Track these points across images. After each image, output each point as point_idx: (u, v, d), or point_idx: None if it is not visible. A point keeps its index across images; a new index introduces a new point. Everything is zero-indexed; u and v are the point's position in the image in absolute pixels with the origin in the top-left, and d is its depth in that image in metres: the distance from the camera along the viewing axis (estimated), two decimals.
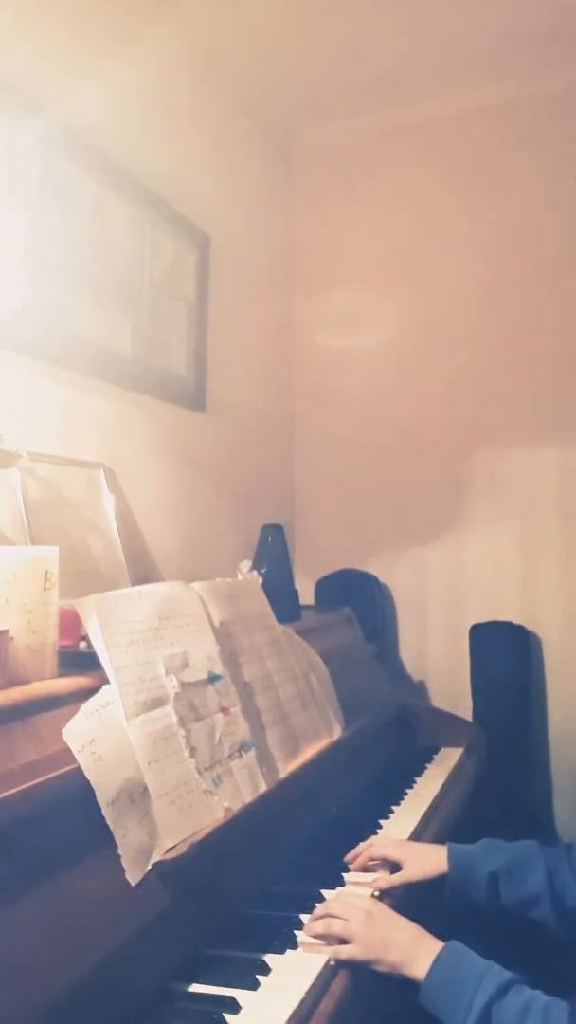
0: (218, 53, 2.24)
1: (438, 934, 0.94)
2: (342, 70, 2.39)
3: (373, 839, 1.27)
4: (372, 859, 1.22)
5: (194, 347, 2.15)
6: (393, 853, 1.21)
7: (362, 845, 1.24)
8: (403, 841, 1.29)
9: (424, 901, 1.15)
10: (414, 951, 0.92)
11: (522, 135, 2.47)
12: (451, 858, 1.17)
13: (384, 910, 1.00)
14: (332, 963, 0.93)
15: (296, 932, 0.99)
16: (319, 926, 0.98)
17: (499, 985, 0.84)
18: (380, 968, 0.92)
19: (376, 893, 1.13)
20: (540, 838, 1.20)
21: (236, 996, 0.85)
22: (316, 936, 0.97)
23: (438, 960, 0.89)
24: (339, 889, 1.12)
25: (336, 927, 0.96)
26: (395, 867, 1.19)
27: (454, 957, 0.90)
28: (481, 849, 1.17)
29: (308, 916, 1.03)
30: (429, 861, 1.17)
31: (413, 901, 1.13)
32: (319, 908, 1.02)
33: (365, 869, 1.21)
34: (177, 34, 2.08)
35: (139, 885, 0.88)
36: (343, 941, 0.95)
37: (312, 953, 0.94)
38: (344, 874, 1.19)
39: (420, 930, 0.95)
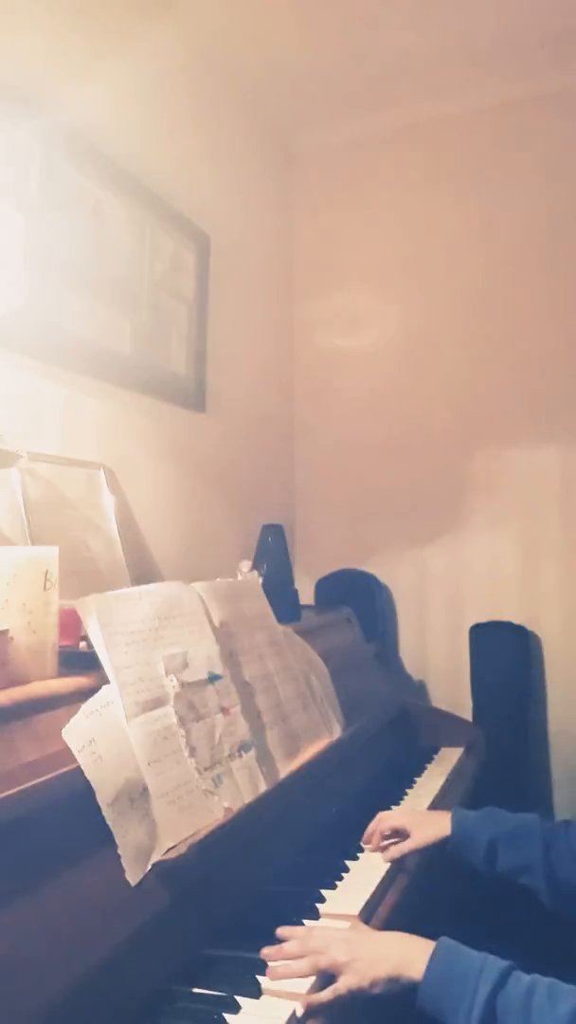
0: (218, 53, 2.24)
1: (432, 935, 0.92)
2: (342, 70, 2.39)
3: (381, 814, 1.31)
4: (383, 833, 1.27)
5: (194, 347, 2.15)
6: (400, 822, 1.27)
7: (372, 823, 1.30)
8: (409, 810, 1.37)
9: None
10: (406, 954, 0.88)
11: (522, 135, 2.47)
12: (454, 823, 1.22)
13: (361, 929, 0.98)
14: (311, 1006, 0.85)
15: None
16: (304, 966, 0.88)
17: (499, 974, 0.82)
18: (378, 989, 0.86)
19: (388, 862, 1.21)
20: None
21: (236, 996, 0.85)
22: (297, 975, 0.88)
23: (433, 959, 0.86)
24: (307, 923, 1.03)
25: (322, 961, 0.88)
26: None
27: (448, 953, 0.87)
28: (482, 816, 1.22)
29: (309, 919, 1.03)
30: (434, 827, 1.24)
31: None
32: (289, 945, 0.92)
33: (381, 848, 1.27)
34: (177, 34, 2.08)
35: (139, 885, 0.88)
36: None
37: (285, 1000, 0.85)
38: (344, 874, 1.19)
39: (404, 935, 0.92)
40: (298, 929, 0.96)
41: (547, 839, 1.14)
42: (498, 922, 1.21)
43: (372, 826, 1.29)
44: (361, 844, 1.28)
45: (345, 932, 0.95)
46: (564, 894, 1.11)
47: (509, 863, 1.15)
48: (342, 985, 0.86)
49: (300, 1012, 0.84)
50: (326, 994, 0.86)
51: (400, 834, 1.26)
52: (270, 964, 0.90)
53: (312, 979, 0.88)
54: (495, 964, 0.84)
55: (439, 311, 2.56)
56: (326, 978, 0.88)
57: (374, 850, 1.26)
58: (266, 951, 0.92)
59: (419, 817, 1.29)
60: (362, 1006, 0.89)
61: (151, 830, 0.93)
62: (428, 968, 0.86)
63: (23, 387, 1.55)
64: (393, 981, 0.86)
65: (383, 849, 1.25)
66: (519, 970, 0.84)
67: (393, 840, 1.26)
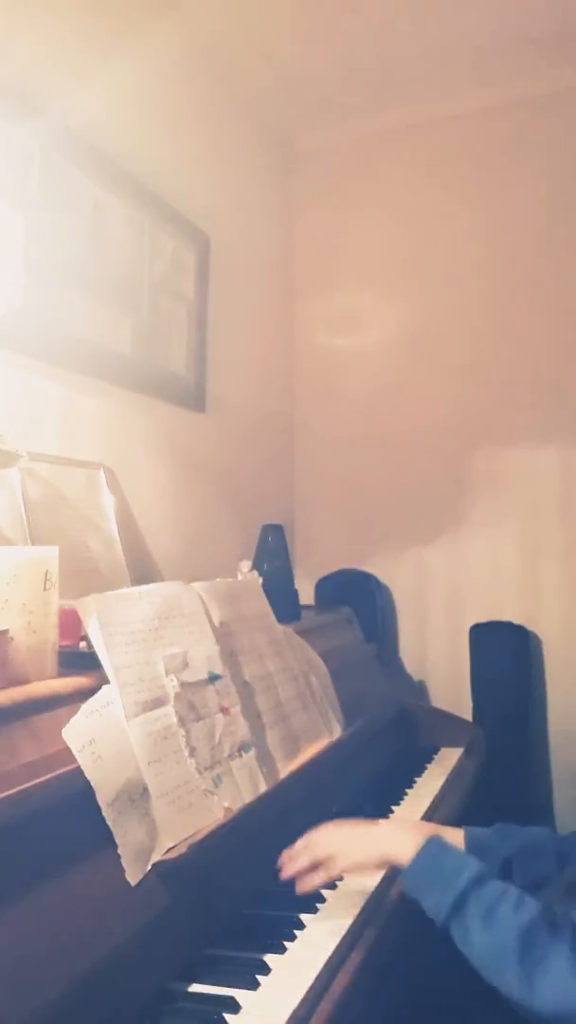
0: (218, 53, 2.24)
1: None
2: (342, 70, 2.39)
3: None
4: None
5: (194, 347, 2.15)
6: None
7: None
8: (422, 823, 1.34)
9: None
10: (396, 842, 0.97)
11: (522, 135, 2.47)
12: (468, 841, 1.19)
13: (353, 822, 1.07)
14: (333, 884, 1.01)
15: (296, 932, 0.99)
16: (304, 859, 1.01)
17: (476, 876, 0.89)
18: (370, 866, 0.98)
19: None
20: None
21: (236, 996, 0.85)
22: (300, 873, 1.01)
23: (422, 850, 0.94)
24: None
25: (319, 851, 1.00)
26: None
27: (435, 848, 0.95)
28: (496, 834, 1.20)
29: (309, 916, 1.03)
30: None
31: None
32: (296, 845, 1.04)
33: None
34: (177, 34, 2.08)
35: (139, 885, 0.88)
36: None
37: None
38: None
39: (398, 824, 1.03)
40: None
41: (561, 851, 1.12)
42: None
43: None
44: None
45: (344, 827, 1.05)
46: None
47: (525, 879, 1.12)
48: (336, 867, 0.98)
49: (301, 1012, 0.83)
50: (320, 876, 0.98)
51: None
52: (282, 870, 1.02)
53: (312, 980, 0.88)
54: (478, 865, 0.92)
55: (439, 311, 2.56)
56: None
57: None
58: (281, 860, 1.03)
59: (432, 831, 1.25)
60: (362, 1006, 0.89)
61: (151, 830, 0.93)
62: (415, 858, 0.95)
63: (23, 387, 1.55)
64: (382, 864, 0.99)
65: None
66: (496, 879, 0.91)
67: None
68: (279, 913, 1.04)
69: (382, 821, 1.06)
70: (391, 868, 0.98)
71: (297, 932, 0.99)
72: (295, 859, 1.03)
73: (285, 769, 1.26)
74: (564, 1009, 0.77)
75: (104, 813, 0.88)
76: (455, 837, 1.18)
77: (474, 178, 2.53)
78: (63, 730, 0.91)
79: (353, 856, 0.99)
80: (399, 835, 0.99)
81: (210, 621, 1.25)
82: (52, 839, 0.82)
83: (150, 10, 1.96)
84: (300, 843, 1.03)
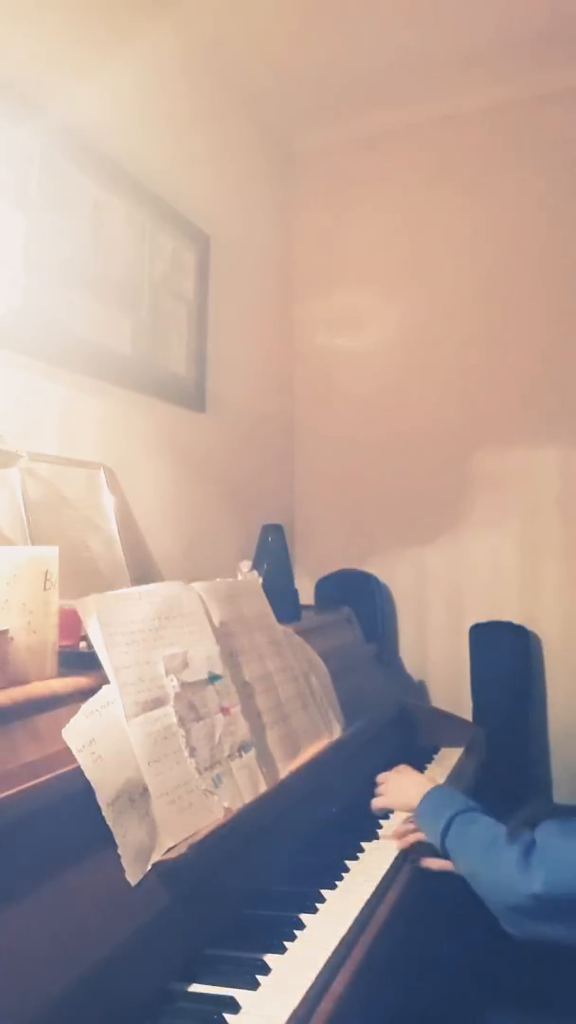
0: (218, 53, 2.24)
1: None
2: (342, 70, 2.39)
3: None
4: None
5: (194, 347, 2.15)
6: None
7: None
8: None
9: None
10: (412, 791, 1.28)
11: (522, 135, 2.47)
12: None
13: (407, 771, 1.39)
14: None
15: (296, 932, 0.99)
16: (378, 789, 1.38)
17: (464, 806, 1.17)
18: (399, 808, 1.33)
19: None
20: None
21: (236, 996, 0.85)
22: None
23: (427, 794, 1.25)
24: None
25: (381, 788, 1.38)
26: None
27: (440, 792, 1.25)
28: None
29: (308, 916, 1.03)
30: None
31: None
32: (379, 778, 1.41)
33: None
34: (177, 34, 2.08)
35: (139, 885, 0.88)
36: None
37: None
38: (344, 873, 1.19)
39: (422, 779, 1.33)
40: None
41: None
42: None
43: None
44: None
45: (401, 777, 1.37)
46: None
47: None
48: (377, 802, 1.36)
49: (301, 1012, 0.83)
50: (376, 802, 1.37)
51: None
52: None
53: (312, 980, 0.88)
54: (466, 801, 1.19)
55: (439, 311, 2.56)
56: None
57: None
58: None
59: None
60: (362, 1006, 0.89)
61: (151, 830, 0.93)
62: (420, 802, 1.24)
63: (23, 387, 1.55)
64: (406, 807, 1.29)
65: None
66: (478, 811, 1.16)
67: None
68: (279, 913, 1.04)
69: (420, 778, 1.36)
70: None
71: (297, 932, 0.99)
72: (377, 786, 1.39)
73: (285, 769, 1.26)
74: (510, 889, 1.02)
75: (104, 813, 0.88)
76: None
77: (474, 178, 2.53)
78: (63, 730, 0.91)
79: (393, 800, 1.34)
80: (417, 789, 1.28)
81: (210, 621, 1.25)
82: (52, 839, 0.82)
83: (150, 10, 1.96)
84: (380, 777, 1.40)
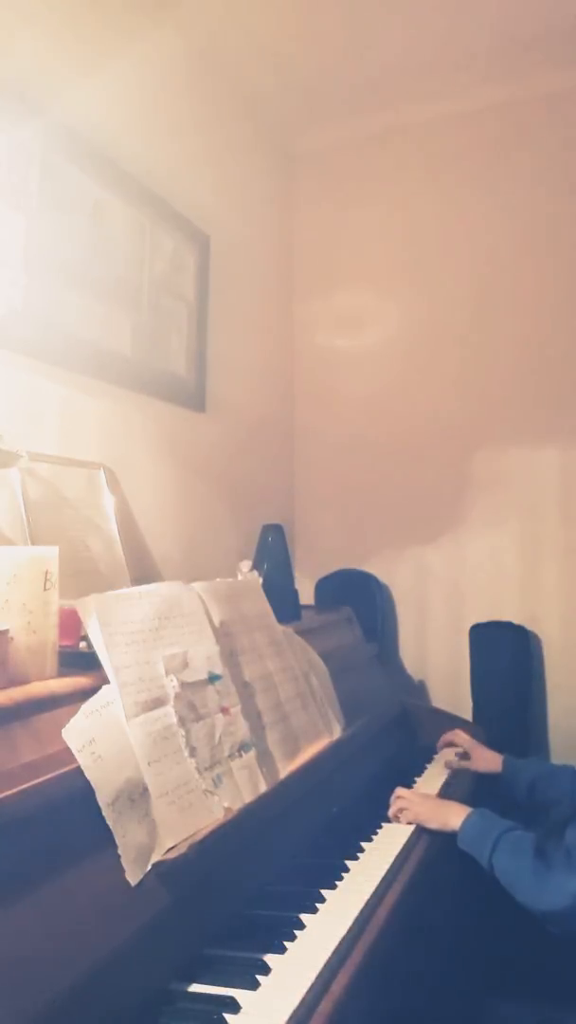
0: (218, 54, 2.24)
1: None
2: (342, 71, 2.39)
3: (455, 730, 1.85)
4: (449, 741, 1.85)
5: (194, 347, 2.15)
6: (466, 744, 1.79)
7: (447, 735, 1.87)
8: (474, 741, 1.79)
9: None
10: (451, 813, 1.35)
11: (522, 135, 2.47)
12: (505, 765, 1.65)
13: (432, 797, 1.47)
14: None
15: (296, 932, 0.99)
16: (392, 810, 1.41)
17: (508, 827, 1.26)
18: (432, 825, 1.35)
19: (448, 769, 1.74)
20: None
21: (236, 996, 0.85)
22: (394, 817, 1.41)
23: (469, 817, 1.31)
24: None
25: (403, 804, 1.41)
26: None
27: (480, 816, 1.31)
28: (528, 760, 1.66)
29: (308, 916, 1.03)
30: (489, 762, 1.69)
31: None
32: (397, 792, 1.45)
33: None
34: (177, 35, 2.08)
35: (139, 885, 0.88)
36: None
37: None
38: (344, 873, 1.19)
39: (456, 803, 1.38)
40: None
41: None
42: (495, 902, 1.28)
43: (446, 737, 1.85)
44: (437, 748, 1.84)
45: (420, 796, 1.45)
46: None
47: (544, 796, 1.53)
48: (406, 816, 1.39)
49: (301, 1012, 0.83)
50: (403, 815, 1.39)
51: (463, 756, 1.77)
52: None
53: (312, 980, 0.88)
54: (510, 823, 1.27)
55: (439, 311, 2.56)
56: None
57: (441, 748, 1.84)
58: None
59: (480, 750, 1.74)
60: (363, 1006, 0.89)
61: (151, 830, 0.93)
62: (464, 824, 1.31)
63: (23, 387, 1.55)
64: (442, 827, 1.34)
65: (447, 756, 1.77)
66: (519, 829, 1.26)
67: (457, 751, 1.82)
68: (279, 913, 1.04)
69: (450, 802, 1.41)
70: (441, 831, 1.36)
71: (297, 932, 0.99)
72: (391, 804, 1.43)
73: (285, 769, 1.26)
74: (558, 892, 1.14)
75: (104, 813, 0.88)
76: (496, 759, 1.67)
77: (474, 178, 2.53)
78: (63, 730, 0.91)
79: (427, 818, 1.37)
80: (455, 812, 1.35)
81: (210, 621, 1.25)
82: (52, 839, 0.82)
83: (150, 10, 1.96)
84: (393, 799, 1.43)
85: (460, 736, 1.82)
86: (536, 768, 1.60)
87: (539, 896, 1.16)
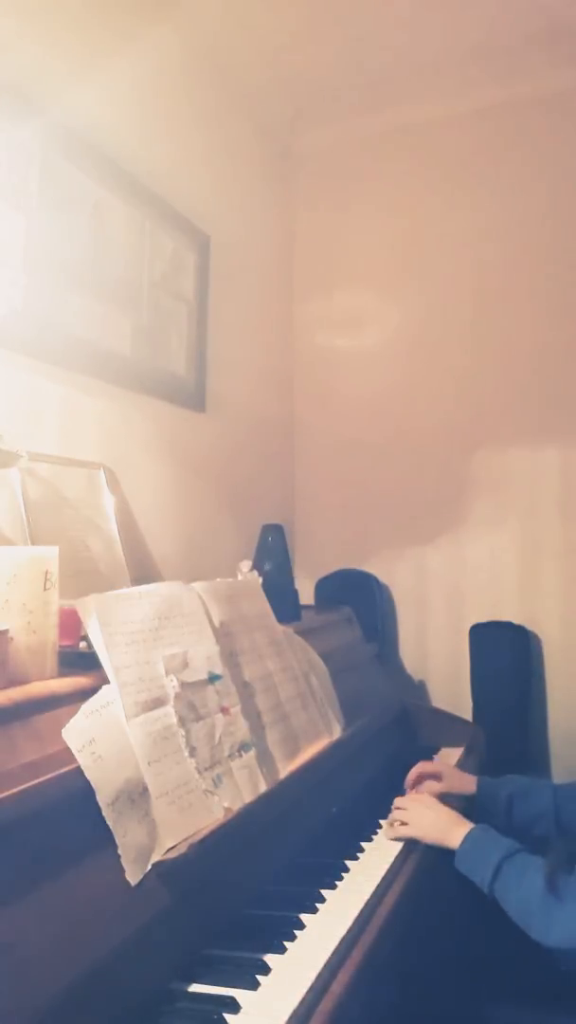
0: (218, 53, 2.24)
1: None
2: (342, 70, 2.39)
3: (421, 762, 1.57)
4: (420, 775, 1.55)
5: (194, 347, 2.15)
6: (437, 769, 1.56)
7: (415, 769, 1.56)
8: (446, 764, 1.64)
9: None
10: (451, 828, 1.27)
11: (522, 135, 2.47)
12: (479, 786, 1.51)
13: (433, 802, 1.36)
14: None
15: (296, 932, 0.99)
16: (392, 817, 1.36)
17: (511, 849, 1.18)
18: (427, 840, 1.28)
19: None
20: None
21: (236, 996, 0.85)
22: (389, 825, 1.34)
23: (469, 835, 1.24)
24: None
25: (401, 815, 1.34)
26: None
27: (482, 833, 1.24)
28: (502, 779, 1.52)
29: (308, 916, 1.03)
30: (462, 782, 1.53)
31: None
32: (396, 802, 1.39)
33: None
34: (177, 34, 2.08)
35: (139, 885, 0.88)
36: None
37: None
38: (344, 873, 1.19)
39: (456, 816, 1.30)
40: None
41: (558, 792, 1.42)
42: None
43: (415, 770, 1.55)
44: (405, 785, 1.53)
45: (423, 801, 1.37)
46: (572, 838, 1.35)
47: (523, 814, 1.43)
48: (403, 831, 1.31)
49: (301, 1012, 0.83)
50: (399, 831, 1.32)
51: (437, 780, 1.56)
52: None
53: (312, 980, 0.88)
54: (512, 844, 1.20)
55: (439, 311, 2.55)
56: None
57: (410, 789, 1.52)
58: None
59: (452, 771, 1.58)
60: (363, 1006, 0.89)
61: (151, 830, 0.93)
62: (465, 839, 1.24)
63: (23, 387, 1.55)
64: (438, 842, 1.27)
65: (417, 790, 1.52)
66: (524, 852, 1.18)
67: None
68: (279, 913, 1.04)
69: (449, 812, 1.33)
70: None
71: (297, 932, 0.99)
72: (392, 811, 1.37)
73: (285, 769, 1.26)
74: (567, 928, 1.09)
75: (104, 813, 0.88)
76: (470, 780, 1.52)
77: (474, 178, 2.53)
78: (63, 730, 0.91)
79: (425, 834, 1.29)
80: (455, 827, 1.27)
81: (210, 621, 1.25)
82: (52, 839, 0.82)
83: (150, 10, 1.96)
84: (396, 803, 1.38)
85: (428, 765, 1.60)
86: (511, 786, 1.48)
87: (549, 930, 1.10)
